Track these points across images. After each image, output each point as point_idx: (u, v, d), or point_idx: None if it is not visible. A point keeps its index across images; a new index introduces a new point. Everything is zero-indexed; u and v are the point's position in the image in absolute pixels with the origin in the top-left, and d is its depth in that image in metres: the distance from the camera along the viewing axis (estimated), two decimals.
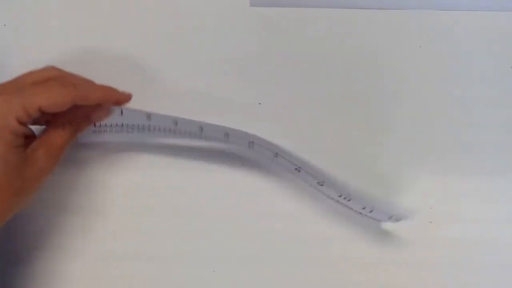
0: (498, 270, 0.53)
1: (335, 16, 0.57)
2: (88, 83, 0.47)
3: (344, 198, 0.50)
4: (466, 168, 0.54)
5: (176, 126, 0.49)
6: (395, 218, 0.51)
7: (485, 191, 0.54)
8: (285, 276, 0.52)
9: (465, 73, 0.56)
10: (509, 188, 0.54)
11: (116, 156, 0.54)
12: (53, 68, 0.46)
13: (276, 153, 0.50)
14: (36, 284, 0.52)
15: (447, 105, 0.56)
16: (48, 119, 0.45)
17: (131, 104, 0.49)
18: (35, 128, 0.46)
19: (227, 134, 0.49)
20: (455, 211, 0.54)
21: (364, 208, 0.50)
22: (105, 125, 0.49)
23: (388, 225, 0.53)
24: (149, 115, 0.48)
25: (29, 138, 0.44)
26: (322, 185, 0.50)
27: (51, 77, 0.44)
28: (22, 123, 0.41)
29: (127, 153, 0.54)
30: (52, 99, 0.41)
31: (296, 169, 0.50)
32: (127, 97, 0.49)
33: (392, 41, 0.57)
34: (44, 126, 0.46)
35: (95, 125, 0.48)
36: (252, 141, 0.50)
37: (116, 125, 0.49)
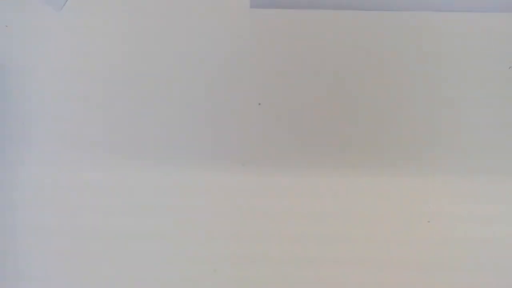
0: (497, 270, 0.53)
1: (334, 17, 0.57)
2: None
3: None
4: (464, 168, 0.54)
5: None
6: None
7: (484, 191, 0.54)
8: (285, 276, 0.53)
9: (464, 73, 0.57)
10: (508, 188, 0.54)
11: (116, 154, 0.54)
12: None
13: None
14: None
15: (446, 105, 0.56)
16: None
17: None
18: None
19: None
20: (453, 210, 0.54)
21: None
22: None
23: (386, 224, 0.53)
24: None
25: None
26: None
27: None
28: None
29: (126, 151, 0.54)
30: None
31: None
32: None
33: (391, 42, 0.57)
34: None
35: None
36: None
37: None
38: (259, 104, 0.55)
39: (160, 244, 0.53)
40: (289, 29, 0.57)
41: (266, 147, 0.54)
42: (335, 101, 0.56)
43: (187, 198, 0.54)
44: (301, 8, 0.57)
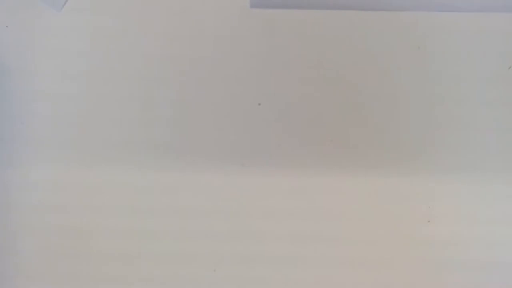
0: (498, 271, 0.53)
1: (335, 17, 0.57)
2: None
3: None
4: (464, 168, 0.55)
5: None
6: None
7: (484, 191, 0.54)
8: (285, 276, 0.53)
9: (463, 74, 0.57)
10: (508, 188, 0.54)
11: (116, 154, 0.54)
12: None
13: None
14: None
15: (446, 105, 0.56)
16: None
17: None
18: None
19: None
20: (453, 210, 0.54)
21: None
22: None
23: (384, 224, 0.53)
24: None
25: None
26: None
27: None
28: None
29: (126, 151, 0.54)
30: None
31: None
32: None
33: (391, 43, 0.57)
34: None
35: None
36: None
37: None
38: (259, 104, 0.55)
39: (160, 244, 0.53)
40: (289, 29, 0.57)
41: (266, 147, 0.54)
42: (335, 101, 0.56)
43: (187, 198, 0.54)
44: (301, 8, 0.57)
